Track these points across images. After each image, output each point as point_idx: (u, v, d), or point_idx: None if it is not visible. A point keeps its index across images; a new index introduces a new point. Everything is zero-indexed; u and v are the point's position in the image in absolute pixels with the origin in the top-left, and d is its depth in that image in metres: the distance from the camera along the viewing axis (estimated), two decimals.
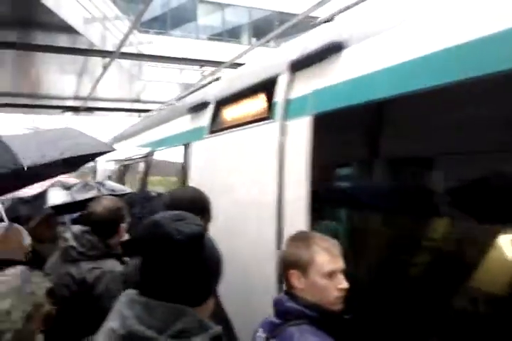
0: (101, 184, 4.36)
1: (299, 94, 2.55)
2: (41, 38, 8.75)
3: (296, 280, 1.72)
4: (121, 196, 3.28)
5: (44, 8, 7.32)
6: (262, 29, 22.64)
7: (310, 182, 2.32)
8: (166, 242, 1.33)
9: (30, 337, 1.50)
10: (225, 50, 18.03)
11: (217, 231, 2.04)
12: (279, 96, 2.74)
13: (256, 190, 2.91)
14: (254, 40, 24.24)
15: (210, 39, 24.68)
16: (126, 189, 5.08)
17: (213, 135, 3.67)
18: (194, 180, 3.97)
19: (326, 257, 1.71)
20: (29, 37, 8.88)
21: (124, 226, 2.68)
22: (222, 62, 7.41)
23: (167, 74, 13.24)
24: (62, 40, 8.99)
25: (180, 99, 5.76)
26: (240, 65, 5.58)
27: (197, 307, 1.33)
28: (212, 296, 1.41)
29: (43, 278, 1.67)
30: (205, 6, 24.91)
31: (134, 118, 15.07)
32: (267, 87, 2.90)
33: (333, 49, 2.28)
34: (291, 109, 2.59)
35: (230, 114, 3.48)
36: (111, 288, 2.31)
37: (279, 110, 2.70)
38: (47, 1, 7.33)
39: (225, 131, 3.42)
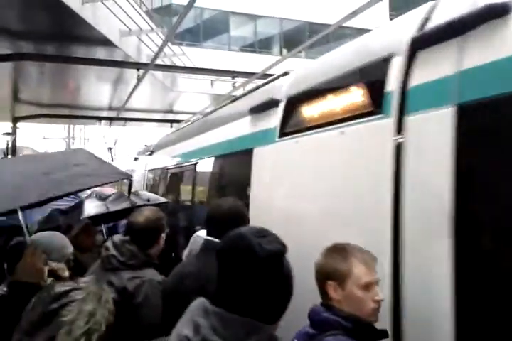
0: (136, 194, 4.47)
1: (430, 79, 1.91)
2: (79, 51, 9.05)
3: (333, 291, 1.73)
4: (157, 205, 3.35)
5: (83, 22, 7.58)
6: (293, 39, 22.79)
7: (454, 197, 1.68)
8: (248, 256, 1.36)
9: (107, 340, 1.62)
10: (256, 61, 18.21)
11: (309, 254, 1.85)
12: (393, 83, 2.09)
13: (359, 203, 2.22)
14: (285, 50, 24.38)
15: (242, 50, 24.94)
16: (161, 199, 5.17)
17: (288, 138, 2.99)
18: (263, 192, 3.28)
19: (363, 269, 1.72)
20: (68, 50, 9.19)
21: (163, 236, 2.73)
22: (254, 73, 7.49)
23: (199, 85, 13.43)
24: (99, 53, 9.27)
25: (234, 100, 5.14)
26: (271, 75, 5.62)
27: (270, 325, 1.35)
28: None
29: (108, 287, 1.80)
30: (237, 17, 25.23)
31: (166, 129, 15.36)
32: (372, 73, 2.29)
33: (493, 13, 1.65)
34: (416, 100, 1.99)
35: (312, 112, 2.81)
36: (150, 297, 2.36)
37: (393, 102, 2.08)
38: (86, 15, 7.58)
39: (308, 133, 2.76)
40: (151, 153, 8.96)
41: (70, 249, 2.62)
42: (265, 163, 3.30)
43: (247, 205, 3.18)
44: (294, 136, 2.90)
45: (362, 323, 1.67)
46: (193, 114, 10.69)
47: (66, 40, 8.72)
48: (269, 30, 26.04)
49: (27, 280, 2.17)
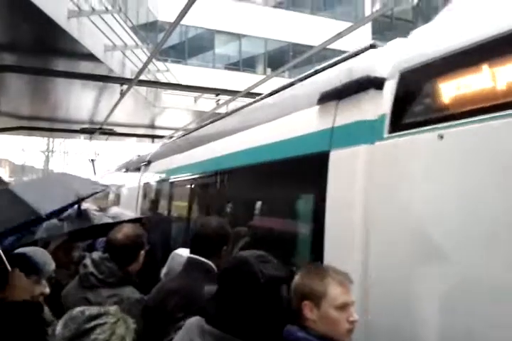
0: (103, 211, 4.38)
1: None
2: (63, 64, 9.01)
3: (309, 311, 1.73)
4: (128, 222, 3.29)
5: (68, 36, 7.56)
6: (277, 59, 23.09)
7: None
8: (250, 280, 1.43)
9: None
10: (240, 80, 18.35)
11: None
12: None
13: None
14: (269, 70, 24.67)
15: (226, 68, 25.15)
16: (131, 215, 5.06)
17: (418, 131, 1.91)
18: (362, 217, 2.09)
19: (339, 290, 1.72)
20: (50, 63, 9.14)
21: (143, 253, 2.70)
22: (238, 91, 7.55)
23: (182, 101, 13.47)
24: (83, 67, 9.23)
25: (278, 90, 3.91)
26: (255, 94, 5.67)
27: None
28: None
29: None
30: (222, 35, 25.51)
31: (147, 144, 15.28)
32: None
33: None
34: None
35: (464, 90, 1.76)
36: (128, 314, 2.32)
37: None
38: (71, 29, 7.57)
39: (466, 121, 1.71)
40: (148, 163, 7.41)
41: (53, 265, 2.56)
42: (361, 171, 2.16)
43: (318, 240, 2.25)
44: (431, 127, 1.85)
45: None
46: (176, 129, 10.67)
47: (50, 53, 8.68)
48: (254, 50, 26.36)
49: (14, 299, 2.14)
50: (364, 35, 22.65)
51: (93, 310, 1.69)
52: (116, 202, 9.57)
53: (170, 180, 5.75)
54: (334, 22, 23.74)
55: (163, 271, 2.81)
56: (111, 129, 12.84)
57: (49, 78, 9.45)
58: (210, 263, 2.28)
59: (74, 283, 2.61)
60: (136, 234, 2.67)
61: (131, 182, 8.38)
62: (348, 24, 4.99)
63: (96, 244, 4.56)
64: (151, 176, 7.02)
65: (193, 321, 1.46)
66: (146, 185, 7.24)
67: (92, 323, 1.63)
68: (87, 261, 2.56)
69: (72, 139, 21.82)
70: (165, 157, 6.46)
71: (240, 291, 1.43)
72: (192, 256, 2.34)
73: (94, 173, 14.90)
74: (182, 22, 5.28)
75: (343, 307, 1.70)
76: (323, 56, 21.47)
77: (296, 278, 1.79)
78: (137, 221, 4.05)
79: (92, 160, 15.36)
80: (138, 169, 7.94)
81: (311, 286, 1.74)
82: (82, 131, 13.56)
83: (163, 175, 6.18)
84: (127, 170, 9.42)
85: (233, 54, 26.27)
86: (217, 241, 2.34)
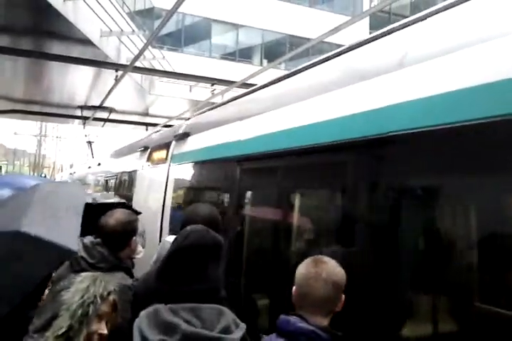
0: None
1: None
2: (57, 48, 8.92)
3: (342, 303, 1.82)
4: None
5: (63, 19, 7.48)
6: (274, 51, 23.01)
7: None
8: (219, 246, 1.69)
9: (106, 315, 1.94)
10: (236, 70, 18.28)
11: None
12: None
13: None
14: (265, 61, 24.57)
15: (222, 58, 25.02)
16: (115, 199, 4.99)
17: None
18: None
19: None
20: (45, 46, 9.05)
21: (135, 239, 2.71)
22: (234, 82, 7.53)
23: (177, 90, 13.40)
24: (78, 51, 9.15)
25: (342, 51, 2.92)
26: (250, 85, 5.66)
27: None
28: None
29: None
30: (219, 25, 25.33)
31: (141, 131, 15.20)
32: None
33: None
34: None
35: None
36: (118, 301, 2.33)
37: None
38: (67, 12, 7.50)
39: None
40: (184, 136, 5.10)
41: None
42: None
43: None
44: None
45: (336, 334, 1.71)
46: (170, 118, 10.62)
47: (45, 37, 8.59)
48: (251, 40, 26.20)
49: None
50: (362, 29, 22.63)
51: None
52: (125, 193, 7.35)
53: (240, 159, 3.43)
54: (332, 15, 23.67)
55: (153, 258, 2.82)
56: (112, 108, 12.14)
57: (43, 61, 9.36)
58: None
59: (64, 267, 2.61)
60: (128, 220, 2.67)
61: (152, 166, 6.16)
62: (346, 18, 4.99)
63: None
64: (195, 154, 4.59)
65: (156, 307, 1.54)
66: (184, 168, 4.85)
67: (61, 285, 1.91)
68: (79, 246, 2.56)
69: (65, 124, 21.67)
70: (225, 123, 4.06)
71: (210, 258, 1.69)
72: None
73: (93, 156, 14.48)
74: (179, 10, 5.25)
75: None
76: (321, 49, 21.48)
77: (335, 269, 1.81)
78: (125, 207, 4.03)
79: (90, 142, 14.64)
80: (164, 147, 5.70)
81: (343, 278, 1.81)
82: (76, 117, 13.46)
83: (224, 151, 3.85)
84: (143, 150, 6.85)
85: (230, 44, 26.10)
86: (209, 226, 2.35)
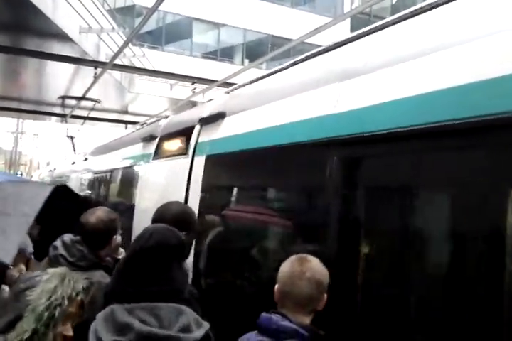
0: None
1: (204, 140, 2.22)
2: (35, 44, 8.75)
3: (323, 301, 1.82)
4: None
5: (41, 14, 7.35)
6: (256, 51, 23.01)
7: None
8: (181, 246, 1.62)
9: (72, 316, 1.86)
10: (217, 69, 18.22)
11: None
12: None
13: None
14: (246, 60, 24.56)
15: (203, 57, 24.92)
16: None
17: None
18: None
19: None
20: (22, 42, 8.88)
21: (115, 238, 2.68)
22: (215, 81, 7.50)
23: (157, 88, 13.29)
24: (56, 48, 9.00)
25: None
26: (231, 84, 5.65)
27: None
28: None
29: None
30: (200, 24, 25.22)
31: (120, 129, 15.05)
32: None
33: None
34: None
35: None
36: (97, 299, 2.30)
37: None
38: (45, 7, 7.36)
39: None
40: (217, 118, 3.73)
41: (30, 247, 2.53)
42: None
43: None
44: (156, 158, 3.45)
45: (316, 332, 1.73)
46: (150, 116, 10.52)
47: (22, 32, 8.43)
48: (232, 40, 26.16)
49: None
50: (343, 30, 22.80)
51: (33, 273, 1.90)
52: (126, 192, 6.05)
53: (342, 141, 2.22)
54: (314, 16, 23.78)
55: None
56: (97, 99, 11.01)
57: (20, 58, 9.18)
58: None
59: (43, 264, 2.57)
60: (109, 218, 2.64)
61: (164, 160, 4.75)
62: (328, 19, 5.01)
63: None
64: (245, 139, 3.22)
65: (112, 308, 1.49)
66: (220, 160, 3.55)
67: (26, 284, 1.82)
68: (58, 243, 2.50)
69: (42, 121, 21.32)
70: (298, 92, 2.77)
71: (172, 257, 1.62)
72: None
73: (74, 151, 13.92)
74: (160, 7, 5.20)
75: None
76: (303, 50, 21.55)
77: (318, 269, 1.81)
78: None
79: (71, 137, 13.90)
80: (181, 134, 4.41)
81: (327, 277, 1.82)
82: (54, 114, 13.22)
83: (301, 132, 2.58)
84: (147, 140, 5.48)
85: (211, 43, 26.02)
86: (181, 225, 2.30)
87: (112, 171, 7.06)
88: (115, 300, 1.48)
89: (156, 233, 1.65)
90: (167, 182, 4.53)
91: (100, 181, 7.97)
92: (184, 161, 4.03)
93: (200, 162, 3.73)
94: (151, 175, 5.06)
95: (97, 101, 10.92)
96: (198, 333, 1.40)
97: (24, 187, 2.61)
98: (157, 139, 5.07)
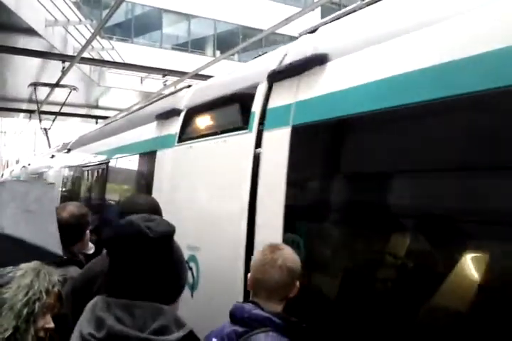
0: None
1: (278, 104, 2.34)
2: None
3: (297, 289, 1.83)
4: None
5: (3, 7, 7.12)
6: (227, 41, 22.84)
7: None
8: (141, 239, 1.39)
9: (51, 307, 1.83)
10: (189, 61, 18.04)
11: None
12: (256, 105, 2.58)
13: None
14: (218, 52, 24.38)
15: (174, 49, 24.61)
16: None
17: (184, 144, 3.27)
18: None
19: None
20: None
21: (88, 233, 2.65)
22: (186, 73, 7.42)
23: (128, 81, 13.09)
24: (21, 41, 8.75)
25: None
26: (203, 76, 5.60)
27: (170, 305, 1.42)
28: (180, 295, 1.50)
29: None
30: (170, 15, 24.87)
31: (91, 125, 14.79)
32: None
33: None
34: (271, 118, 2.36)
35: None
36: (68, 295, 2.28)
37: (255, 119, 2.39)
38: (8, 0, 7.13)
39: None
40: (311, 65, 2.27)
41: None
42: (165, 166, 3.90)
43: None
44: (189, 142, 3.46)
45: (290, 320, 1.75)
46: (121, 110, 10.35)
47: None
48: (203, 31, 25.90)
49: None
50: (314, 20, 22.80)
51: (4, 270, 1.81)
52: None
53: None
54: (284, 7, 23.71)
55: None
56: (73, 86, 9.89)
57: None
58: None
59: None
60: (81, 213, 2.63)
61: (197, 141, 3.33)
62: (298, 9, 5.00)
63: None
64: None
65: (96, 300, 1.43)
66: (323, 132, 2.18)
67: (0, 281, 1.76)
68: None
69: (10, 118, 20.80)
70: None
71: (133, 252, 1.40)
72: None
73: (49, 145, 13.20)
74: None
75: None
76: (274, 40, 21.50)
77: (289, 257, 1.84)
78: None
79: (46, 129, 13.11)
80: (233, 100, 3.08)
81: (299, 264, 1.84)
82: (21, 110, 12.90)
83: None
84: (164, 118, 4.02)
85: (182, 34, 25.71)
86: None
87: (105, 163, 5.56)
88: (105, 291, 1.45)
89: (131, 223, 1.47)
90: (206, 176, 3.07)
91: (91, 175, 6.38)
92: (241, 140, 2.69)
93: (276, 138, 2.38)
94: (175, 167, 3.57)
95: (73, 88, 10.01)
96: (176, 335, 1.34)
97: (30, 186, 2.58)
98: (182, 114, 3.58)
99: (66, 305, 2.22)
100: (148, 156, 4.13)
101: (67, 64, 8.01)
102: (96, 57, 11.75)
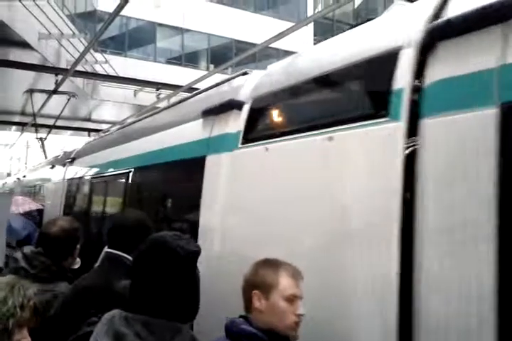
0: None
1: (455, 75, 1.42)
2: None
3: (258, 301, 1.76)
4: None
5: None
6: (220, 56, 23.00)
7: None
8: (171, 256, 1.42)
9: (26, 324, 1.77)
10: (182, 74, 18.11)
11: None
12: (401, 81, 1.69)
13: None
14: (212, 66, 24.51)
15: (168, 62, 24.72)
16: None
17: (253, 145, 2.49)
18: None
19: (290, 281, 1.77)
20: None
21: (78, 248, 2.61)
22: (180, 86, 7.42)
23: (121, 94, 13.09)
24: (14, 54, 8.74)
25: None
26: (196, 89, 5.60)
27: (187, 323, 1.46)
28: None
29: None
30: (164, 29, 25.04)
31: (83, 138, 14.74)
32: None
33: None
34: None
35: None
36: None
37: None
38: (2, 14, 7.14)
39: None
40: None
41: None
42: (222, 173, 2.78)
43: None
44: (263, 142, 2.48)
45: (278, 336, 1.72)
46: (114, 123, 10.31)
47: None
48: (197, 45, 26.08)
49: None
50: (306, 35, 23.05)
51: None
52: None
53: None
54: (277, 21, 23.97)
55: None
56: (73, 93, 9.41)
57: None
58: (129, 257, 2.18)
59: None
60: (72, 228, 2.58)
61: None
62: (291, 24, 5.03)
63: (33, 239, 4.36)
64: None
65: (114, 313, 1.43)
66: None
67: None
68: (18, 255, 2.43)
69: (1, 131, 20.70)
70: None
71: (162, 269, 1.41)
72: (110, 250, 2.29)
73: (45, 156, 12.82)
74: (122, 13, 5.11)
75: (292, 299, 1.74)
76: (266, 55, 21.69)
77: (250, 268, 1.84)
78: None
79: (41, 138, 12.83)
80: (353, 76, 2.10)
81: (264, 276, 1.79)
82: (13, 123, 12.79)
83: None
84: (215, 112, 3.09)
85: (175, 48, 25.86)
86: (136, 235, 2.24)
87: (125, 174, 4.48)
88: (123, 306, 1.44)
89: (163, 242, 1.47)
90: (307, 187, 2.16)
91: (102, 189, 5.40)
92: (375, 133, 1.83)
93: (461, 125, 1.51)
94: (240, 176, 2.66)
95: (72, 94, 9.47)
96: None
97: None
98: (246, 107, 2.73)
99: (57, 321, 2.18)
100: (192, 164, 3.15)
101: (60, 77, 8.01)
102: (89, 70, 11.75)
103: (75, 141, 12.39)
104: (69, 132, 16.26)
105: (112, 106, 13.83)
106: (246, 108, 2.72)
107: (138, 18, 23.38)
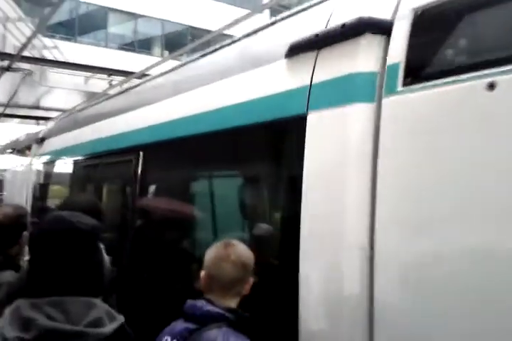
0: None
1: None
2: None
3: (249, 286, 1.84)
4: None
5: None
6: (175, 42, 22.60)
7: None
8: (74, 233, 1.41)
9: None
10: (135, 61, 17.69)
11: None
12: None
13: None
14: (166, 52, 24.08)
15: (120, 48, 24.08)
16: None
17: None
18: None
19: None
20: None
21: (26, 235, 2.53)
22: (132, 73, 7.26)
23: (71, 81, 12.68)
24: None
25: None
26: (150, 76, 5.49)
27: (98, 297, 1.44)
28: None
29: None
30: (116, 14, 24.33)
31: (31, 126, 14.21)
32: None
33: None
34: None
35: None
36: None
37: None
38: None
39: None
40: None
41: None
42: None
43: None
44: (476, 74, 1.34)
45: (241, 315, 1.76)
46: (64, 111, 9.99)
47: None
48: (150, 31, 25.51)
49: None
50: (263, 23, 22.97)
51: None
52: None
53: None
54: (233, 8, 23.74)
55: None
56: (27, 70, 8.79)
57: None
58: None
59: None
60: (17, 214, 2.50)
61: None
62: (247, 11, 5.01)
63: None
64: None
65: (17, 304, 1.37)
66: None
67: None
68: None
69: None
70: None
71: (63, 246, 1.40)
72: None
73: None
74: None
75: None
76: (221, 42, 21.47)
77: (241, 251, 1.83)
78: None
79: None
80: None
81: (252, 260, 1.83)
82: None
83: None
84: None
85: (128, 34, 25.21)
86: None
87: (135, 154, 3.31)
88: (23, 295, 1.39)
89: (61, 218, 1.48)
90: None
91: (90, 176, 4.29)
92: None
93: None
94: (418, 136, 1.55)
95: (27, 72, 8.79)
96: (110, 327, 1.33)
97: None
98: (401, 28, 1.66)
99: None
100: (272, 129, 2.19)
101: (6, 62, 7.68)
102: (37, 55, 11.31)
103: (23, 130, 11.92)
104: (15, 120, 15.63)
105: (61, 93, 13.38)
106: (401, 28, 1.64)
107: (89, 2, 22.62)
